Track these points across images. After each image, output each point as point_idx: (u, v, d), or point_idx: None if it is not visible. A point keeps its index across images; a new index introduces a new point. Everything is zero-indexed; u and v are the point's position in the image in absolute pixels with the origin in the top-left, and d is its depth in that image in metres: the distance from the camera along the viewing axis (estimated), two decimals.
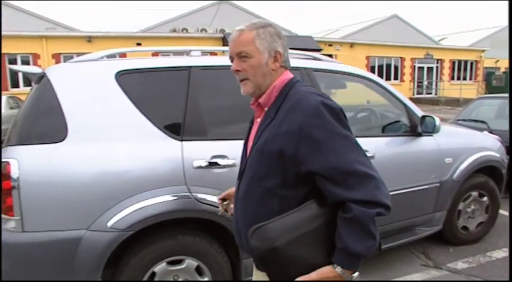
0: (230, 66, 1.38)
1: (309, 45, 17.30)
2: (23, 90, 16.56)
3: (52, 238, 2.07)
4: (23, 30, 17.25)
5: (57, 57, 16.71)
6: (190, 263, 2.32)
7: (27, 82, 17.18)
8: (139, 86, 2.30)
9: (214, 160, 2.27)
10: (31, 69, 2.31)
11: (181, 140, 2.26)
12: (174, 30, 19.81)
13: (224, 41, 18.18)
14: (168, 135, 2.25)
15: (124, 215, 2.09)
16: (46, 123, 2.14)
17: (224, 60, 2.51)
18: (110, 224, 2.09)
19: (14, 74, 17.01)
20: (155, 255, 2.23)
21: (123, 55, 2.72)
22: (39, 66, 16.58)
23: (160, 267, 2.26)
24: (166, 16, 28.80)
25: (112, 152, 2.13)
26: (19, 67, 2.31)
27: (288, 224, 1.20)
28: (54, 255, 2.09)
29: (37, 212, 2.06)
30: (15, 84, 17.00)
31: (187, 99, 2.33)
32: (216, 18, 20.66)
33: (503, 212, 4.06)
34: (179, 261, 2.30)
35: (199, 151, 2.28)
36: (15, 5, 22.00)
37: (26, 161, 2.04)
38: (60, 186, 2.06)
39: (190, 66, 2.39)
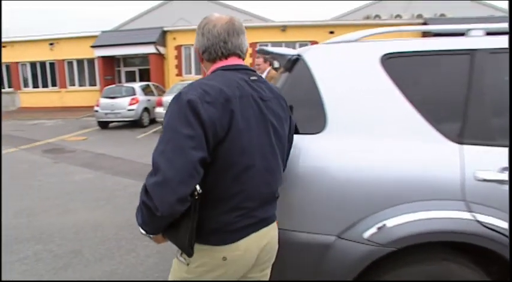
0: None
1: None
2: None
3: (297, 239, 1.87)
4: None
5: (253, 46, 17.92)
6: None
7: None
8: (408, 73, 1.89)
9: (505, 173, 1.72)
10: (285, 51, 2.14)
11: (461, 143, 1.78)
12: (367, 17, 19.07)
13: None
14: (443, 136, 1.79)
15: (385, 227, 1.74)
16: (303, 111, 1.93)
17: None
18: (366, 235, 1.76)
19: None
20: (412, 278, 1.83)
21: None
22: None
23: None
24: (358, 3, 27.95)
25: (375, 151, 1.80)
26: (271, 49, 2.17)
27: None
28: (298, 257, 1.90)
29: (287, 208, 1.88)
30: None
31: (469, 92, 1.82)
32: (413, 3, 19.02)
33: None
34: None
35: (484, 159, 1.76)
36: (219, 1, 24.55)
37: None
38: (313, 182, 1.83)
39: (475, 49, 1.86)
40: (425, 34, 13.85)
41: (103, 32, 20.54)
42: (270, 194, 1.49)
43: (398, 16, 18.83)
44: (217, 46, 1.45)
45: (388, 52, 1.90)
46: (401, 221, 1.72)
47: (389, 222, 1.74)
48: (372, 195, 1.77)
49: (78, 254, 3.65)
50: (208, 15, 1.51)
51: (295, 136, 1.87)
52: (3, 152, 9.54)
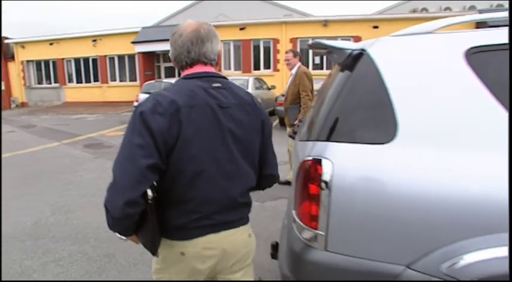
0: None
1: None
2: (262, 72, 18.16)
3: (357, 266, 1.58)
4: (265, 17, 18.80)
5: (294, 42, 17.59)
6: None
7: (267, 65, 18.77)
8: (501, 70, 1.54)
9: None
10: (344, 44, 1.84)
11: None
12: (414, 11, 18.20)
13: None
14: None
15: (473, 259, 1.41)
16: (367, 116, 1.63)
17: None
18: (444, 267, 1.45)
19: (256, 58, 18.78)
20: None
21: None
22: (278, 50, 17.97)
23: None
24: None
25: (461, 165, 1.46)
26: (329, 42, 1.87)
27: None
28: None
29: (345, 230, 1.60)
30: (257, 67, 18.80)
31: None
32: None
33: None
34: None
35: None
36: None
37: (341, 162, 1.58)
38: (380, 201, 1.53)
39: None
40: (479, 26, 12.97)
41: (143, 28, 20.78)
42: (229, 199, 1.53)
43: (447, 9, 17.79)
44: (182, 55, 1.53)
45: (475, 45, 1.57)
46: (494, 255, 1.39)
47: (477, 255, 1.41)
48: (456, 221, 1.44)
49: (112, 258, 3.51)
50: (181, 23, 1.57)
51: (355, 146, 1.58)
52: (48, 145, 9.78)
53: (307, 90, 5.24)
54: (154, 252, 1.51)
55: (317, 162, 1.61)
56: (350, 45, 1.82)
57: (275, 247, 2.52)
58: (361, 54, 1.72)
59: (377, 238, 1.55)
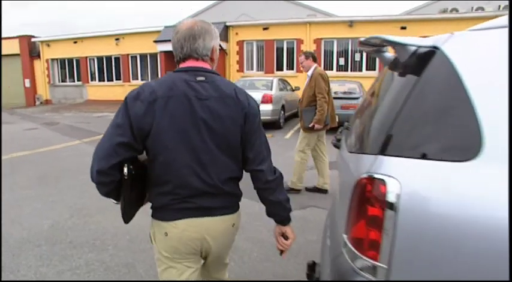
0: None
1: None
2: (285, 73, 17.89)
3: None
4: (289, 17, 18.51)
5: (318, 42, 17.25)
6: None
7: (290, 66, 18.47)
8: None
9: None
10: (406, 40, 1.55)
11: None
12: (443, 11, 17.59)
13: None
14: None
15: None
16: (442, 127, 1.34)
17: None
18: None
19: (279, 59, 18.52)
20: None
21: None
22: (301, 51, 17.62)
23: None
24: None
25: None
26: (390, 37, 1.59)
27: None
28: None
29: (415, 264, 1.31)
30: (280, 68, 18.54)
31: None
32: None
33: None
34: None
35: None
36: None
37: (409, 182, 1.30)
38: (459, 230, 1.23)
39: None
40: None
41: (166, 27, 20.70)
42: (206, 185, 1.61)
43: (480, 8, 17.10)
44: (177, 51, 1.66)
45: None
46: None
47: None
48: None
49: (131, 269, 3.29)
50: (181, 21, 1.69)
51: (427, 163, 1.30)
52: (69, 143, 9.75)
53: (323, 92, 5.12)
54: (125, 221, 1.67)
55: (379, 180, 1.33)
56: (416, 41, 1.54)
57: (312, 267, 2.25)
58: (432, 52, 1.44)
59: (448, 271, 1.26)
